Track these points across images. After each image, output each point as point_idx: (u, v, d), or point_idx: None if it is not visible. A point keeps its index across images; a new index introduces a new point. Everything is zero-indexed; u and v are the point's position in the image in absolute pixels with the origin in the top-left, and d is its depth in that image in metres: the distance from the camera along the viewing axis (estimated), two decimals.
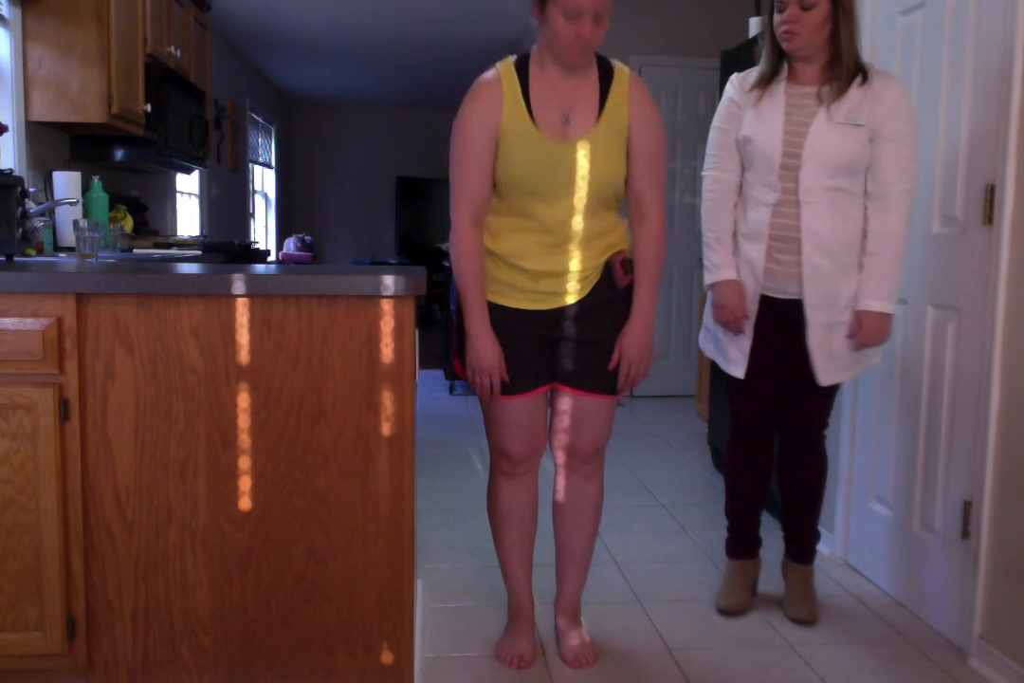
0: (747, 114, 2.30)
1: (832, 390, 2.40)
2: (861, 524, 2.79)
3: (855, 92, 2.19)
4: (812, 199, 2.22)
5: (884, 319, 2.24)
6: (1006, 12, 2.10)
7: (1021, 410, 2.08)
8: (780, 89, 2.27)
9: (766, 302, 2.35)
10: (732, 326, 2.36)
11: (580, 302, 2.04)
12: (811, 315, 2.27)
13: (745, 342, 2.37)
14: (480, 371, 2.04)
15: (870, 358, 2.37)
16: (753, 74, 2.33)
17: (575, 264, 2.02)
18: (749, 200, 2.31)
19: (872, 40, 2.73)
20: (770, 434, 2.49)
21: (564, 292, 2.03)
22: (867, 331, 2.25)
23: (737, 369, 2.40)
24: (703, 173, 2.42)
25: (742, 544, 2.56)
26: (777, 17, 2.21)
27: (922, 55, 2.49)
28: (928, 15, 2.46)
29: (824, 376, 2.31)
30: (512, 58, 2.02)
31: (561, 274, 2.02)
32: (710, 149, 2.39)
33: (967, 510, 2.27)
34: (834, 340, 2.29)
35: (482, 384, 2.05)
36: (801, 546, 2.52)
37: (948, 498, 2.36)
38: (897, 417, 2.61)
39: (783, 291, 2.32)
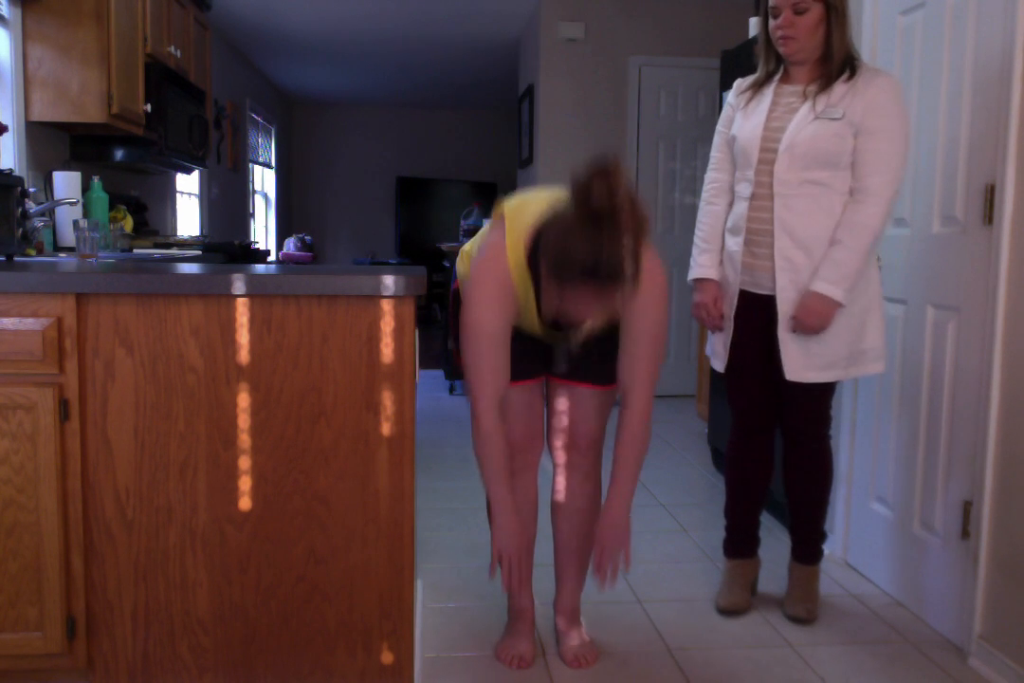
0: (737, 115, 2.37)
1: (824, 390, 2.36)
2: (861, 524, 2.79)
3: (839, 87, 2.21)
4: (787, 192, 2.23)
5: (826, 304, 2.20)
6: (1006, 12, 2.10)
7: (1021, 410, 2.08)
8: (771, 89, 2.32)
9: (749, 298, 2.36)
10: (706, 324, 2.44)
11: None
12: (784, 308, 2.26)
13: (727, 336, 2.40)
14: (507, 554, 2.02)
15: (865, 364, 2.32)
16: (751, 78, 2.39)
17: None
18: (735, 196, 2.38)
19: (872, 40, 2.74)
20: (769, 433, 2.48)
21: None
22: (804, 311, 2.21)
23: (719, 363, 2.46)
24: (705, 175, 2.49)
25: (739, 544, 2.55)
26: (772, 22, 2.24)
27: (922, 55, 2.49)
28: (928, 15, 2.46)
29: (793, 372, 2.28)
30: (522, 242, 1.87)
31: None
32: (712, 152, 2.48)
33: (967, 510, 2.27)
34: (812, 336, 2.26)
35: (508, 566, 2.02)
36: (806, 547, 2.51)
37: (948, 498, 2.36)
38: (897, 417, 2.61)
39: (763, 286, 2.32)
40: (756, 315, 2.35)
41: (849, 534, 2.86)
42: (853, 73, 2.21)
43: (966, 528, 2.27)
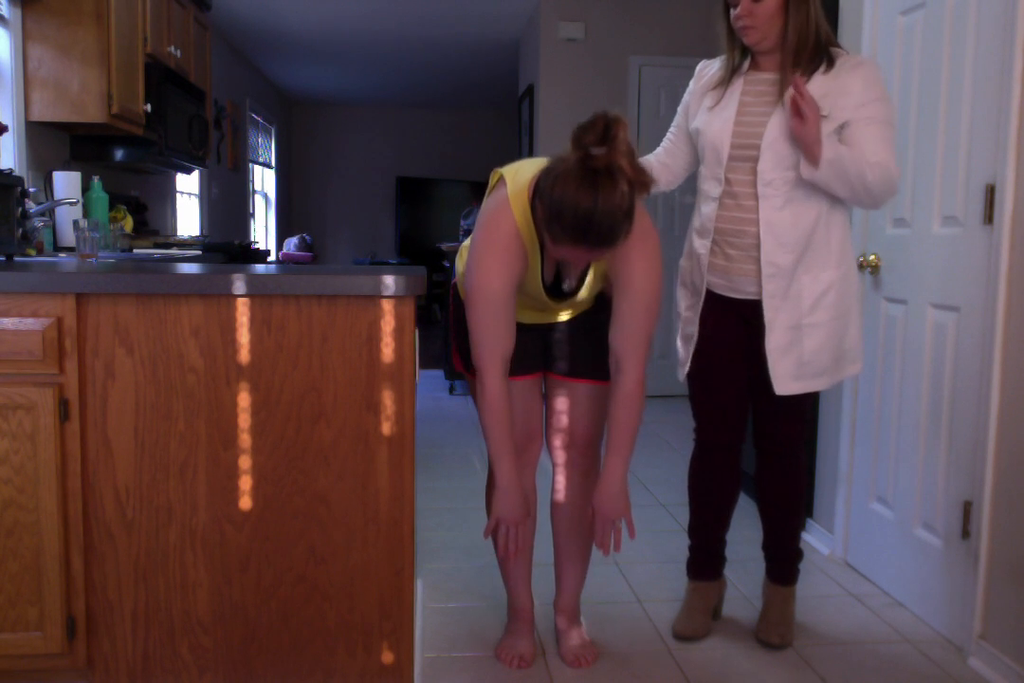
0: (703, 111, 2.23)
1: (808, 397, 2.25)
2: (861, 524, 2.79)
3: (818, 80, 2.08)
4: (772, 192, 2.09)
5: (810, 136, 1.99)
6: (1006, 12, 2.10)
7: (1021, 410, 2.08)
8: (739, 82, 2.18)
9: (723, 302, 2.22)
10: None
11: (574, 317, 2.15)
12: (771, 316, 2.13)
13: (692, 344, 2.26)
14: (505, 522, 2.00)
15: (845, 367, 2.22)
16: (717, 65, 2.26)
17: (566, 316, 2.14)
18: (700, 195, 2.24)
19: (872, 40, 2.74)
20: (733, 448, 2.34)
21: (558, 315, 2.13)
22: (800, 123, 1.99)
23: (680, 370, 2.33)
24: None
25: (703, 565, 2.41)
26: (732, 12, 2.13)
27: (922, 55, 2.49)
28: (928, 15, 2.46)
29: (783, 385, 2.15)
30: (525, 193, 1.85)
31: (553, 322, 2.15)
32: (667, 134, 2.40)
33: (967, 510, 2.27)
34: (804, 343, 2.13)
35: (505, 535, 2.01)
36: (781, 566, 2.38)
37: (948, 498, 2.36)
38: (897, 417, 2.60)
39: (741, 291, 2.18)
40: (729, 320, 2.23)
41: (849, 534, 2.86)
42: (831, 63, 2.09)
43: (966, 528, 2.27)
